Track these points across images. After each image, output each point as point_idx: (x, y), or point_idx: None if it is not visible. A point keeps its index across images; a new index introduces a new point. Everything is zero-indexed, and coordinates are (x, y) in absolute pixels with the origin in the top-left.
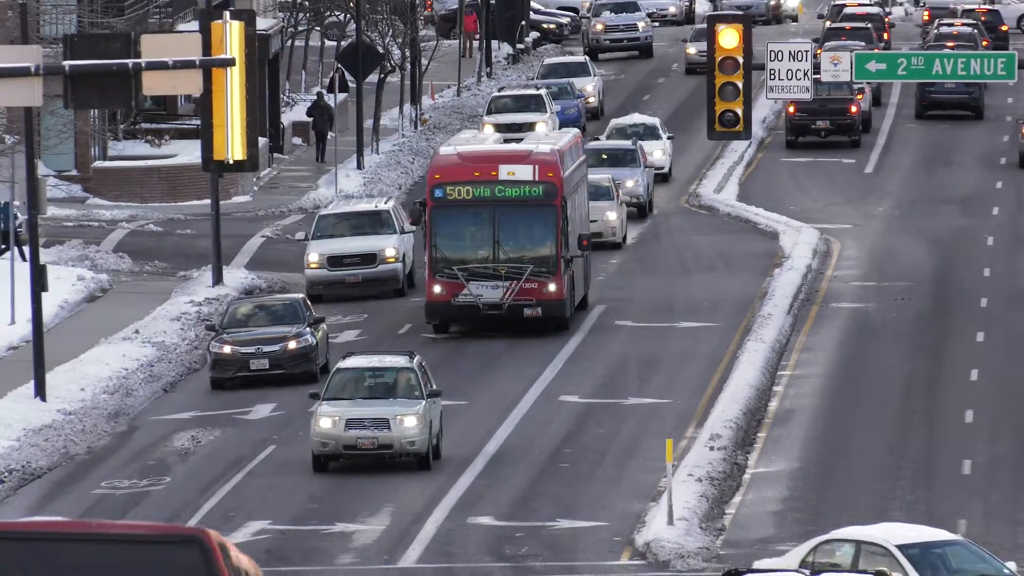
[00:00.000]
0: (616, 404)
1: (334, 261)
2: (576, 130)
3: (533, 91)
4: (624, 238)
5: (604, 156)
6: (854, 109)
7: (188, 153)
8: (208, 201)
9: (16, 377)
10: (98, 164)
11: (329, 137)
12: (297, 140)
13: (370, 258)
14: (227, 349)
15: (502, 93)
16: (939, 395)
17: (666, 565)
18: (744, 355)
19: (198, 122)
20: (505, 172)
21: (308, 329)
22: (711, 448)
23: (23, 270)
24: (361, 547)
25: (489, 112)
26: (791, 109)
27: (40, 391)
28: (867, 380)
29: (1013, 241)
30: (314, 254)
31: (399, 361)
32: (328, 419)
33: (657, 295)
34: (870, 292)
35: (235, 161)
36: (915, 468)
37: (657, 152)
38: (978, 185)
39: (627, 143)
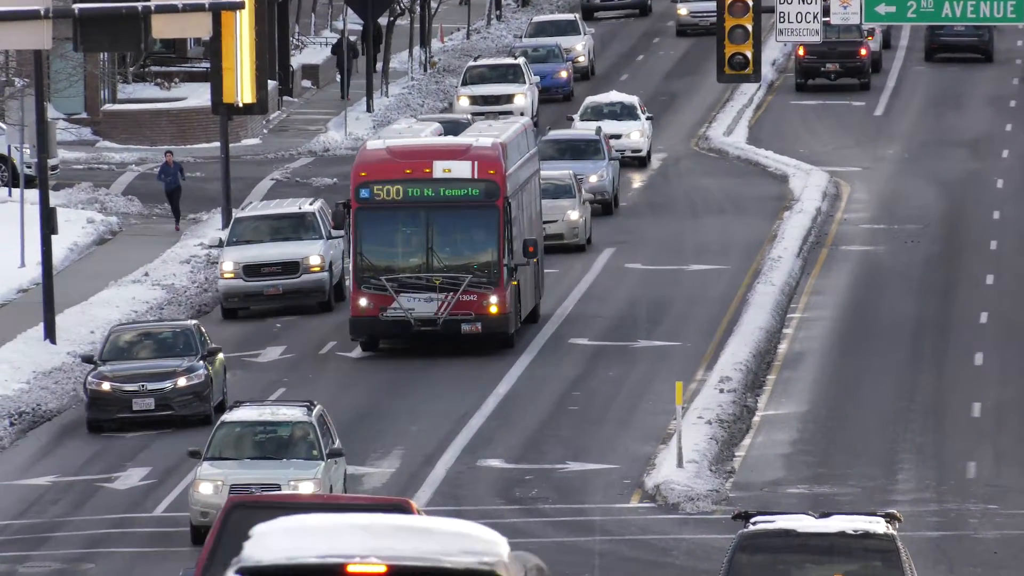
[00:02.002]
0: (626, 347)
1: (251, 270)
2: (525, 119)
3: (511, 60)
4: (588, 239)
5: (563, 148)
6: (864, 52)
7: (197, 96)
8: (217, 144)
9: (26, 320)
10: (107, 107)
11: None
12: (306, 83)
13: (292, 267)
14: (106, 386)
15: (477, 63)
16: (949, 338)
17: (676, 507)
18: (754, 298)
19: (207, 65)
20: (440, 169)
21: (202, 363)
22: (721, 391)
23: (33, 213)
24: (371, 490)
25: (464, 83)
26: (801, 52)
27: (50, 334)
28: (877, 323)
29: (1022, 184)
30: (229, 262)
31: (295, 414)
32: (209, 484)
33: (667, 238)
34: (880, 235)
35: (244, 104)
36: (925, 411)
37: (635, 133)
38: (987, 128)
39: (590, 133)
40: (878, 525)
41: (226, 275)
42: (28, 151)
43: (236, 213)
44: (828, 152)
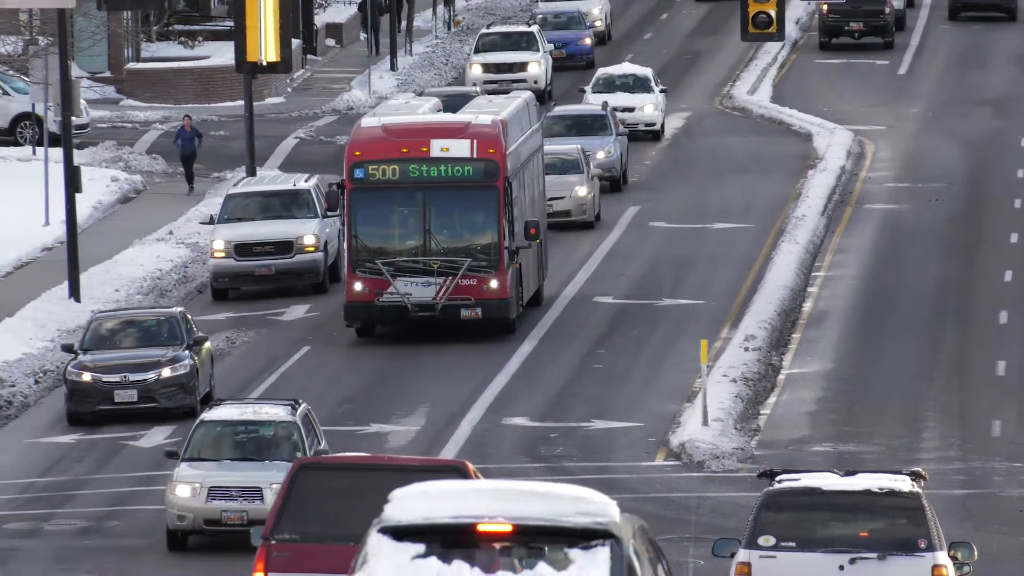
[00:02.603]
0: (650, 305)
1: (243, 250)
2: (527, 94)
3: (524, 28)
4: (597, 216)
5: (570, 124)
6: (887, 10)
7: (221, 54)
8: (241, 102)
9: (50, 278)
10: (131, 66)
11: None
12: (330, 41)
13: (285, 246)
14: (87, 377)
15: (490, 30)
16: (973, 296)
17: (701, 465)
18: (778, 256)
19: (231, 23)
20: (438, 148)
21: (187, 352)
22: (746, 349)
23: (57, 171)
24: (396, 448)
25: (477, 51)
26: (824, 10)
27: (74, 292)
28: (901, 281)
29: None
30: (220, 241)
31: (278, 413)
32: (187, 487)
33: (691, 196)
34: (903, 193)
35: (268, 62)
36: (949, 369)
37: (648, 106)
38: (1011, 87)
39: (596, 108)
40: (903, 483)
41: (216, 254)
42: (52, 109)
43: (228, 189)
44: (852, 111)
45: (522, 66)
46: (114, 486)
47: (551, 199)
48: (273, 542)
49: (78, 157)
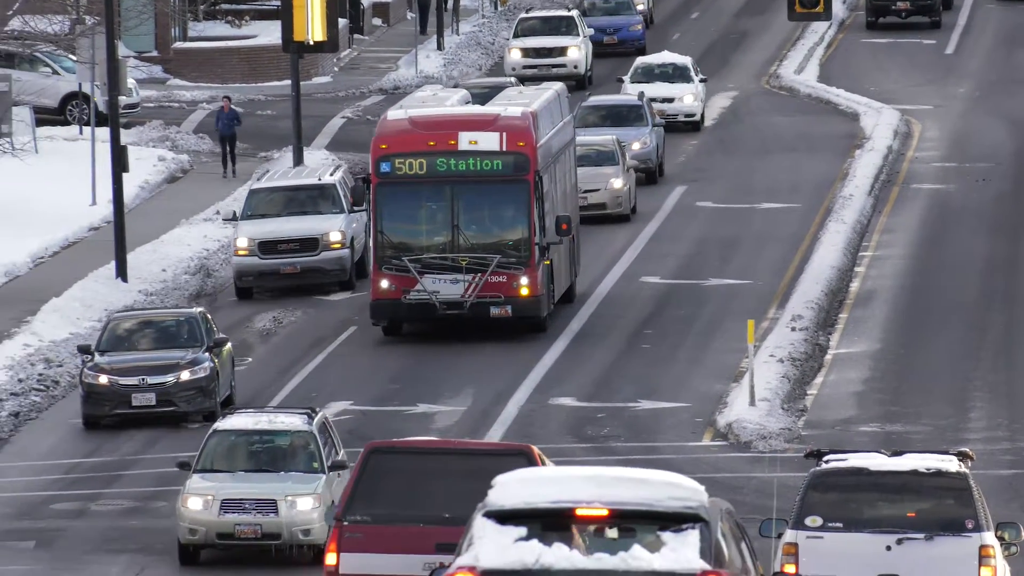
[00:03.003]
0: (696, 285)
1: (267, 247)
2: (559, 85)
3: (564, 12)
4: (633, 208)
5: (605, 114)
6: None
7: (268, 34)
8: (288, 82)
9: (97, 258)
10: (178, 45)
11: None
12: (377, 21)
13: (311, 243)
14: (103, 379)
15: (530, 14)
16: (1019, 276)
17: (748, 446)
18: (825, 236)
19: (278, 3)
20: (466, 141)
21: (207, 354)
22: (793, 329)
23: (104, 151)
24: (443, 428)
25: (516, 35)
26: None
27: (121, 272)
28: (948, 261)
29: None
30: (243, 238)
31: (294, 423)
32: (199, 499)
33: (737, 176)
34: (951, 173)
35: (315, 42)
36: (996, 349)
37: (688, 97)
38: None
39: (632, 98)
40: (950, 463)
41: (240, 252)
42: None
43: (251, 184)
44: (899, 90)
45: (562, 51)
46: (162, 466)
47: (585, 191)
48: (345, 523)
49: (125, 137)
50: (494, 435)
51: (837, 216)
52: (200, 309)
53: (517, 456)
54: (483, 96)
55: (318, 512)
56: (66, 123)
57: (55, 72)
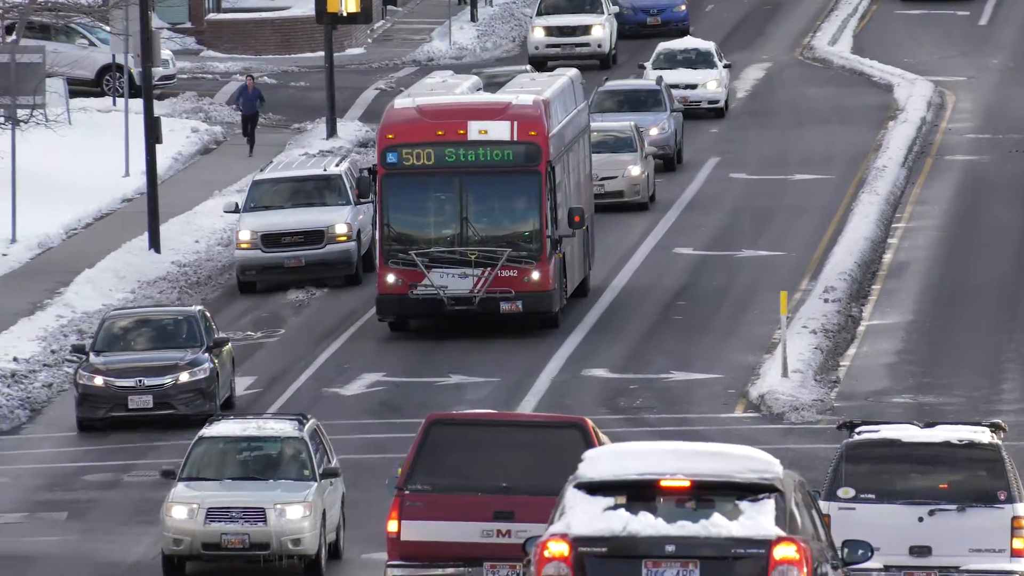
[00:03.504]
0: (730, 256)
1: (270, 240)
2: (573, 71)
3: None
4: (652, 197)
5: (622, 100)
6: None
7: (302, 5)
8: (321, 53)
9: (130, 229)
10: (212, 16)
11: None
12: None
13: (316, 236)
14: (99, 381)
15: None
16: None
17: (780, 417)
18: (858, 207)
19: None
20: (475, 130)
21: (207, 355)
22: (825, 300)
23: (137, 122)
24: (475, 400)
25: (539, 13)
26: None
27: (154, 243)
28: (981, 232)
29: None
30: (246, 231)
31: (284, 428)
32: (183, 508)
33: (771, 148)
34: (984, 144)
35: (348, 13)
36: None
37: (711, 83)
38: None
39: (650, 83)
40: (983, 435)
41: (242, 245)
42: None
43: (255, 175)
44: (933, 62)
45: (585, 29)
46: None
47: (602, 179)
48: (406, 492)
49: (158, 108)
50: (527, 406)
51: (870, 188)
52: (200, 308)
53: (571, 428)
54: (497, 85)
55: (309, 521)
56: (103, 95)
57: (91, 44)
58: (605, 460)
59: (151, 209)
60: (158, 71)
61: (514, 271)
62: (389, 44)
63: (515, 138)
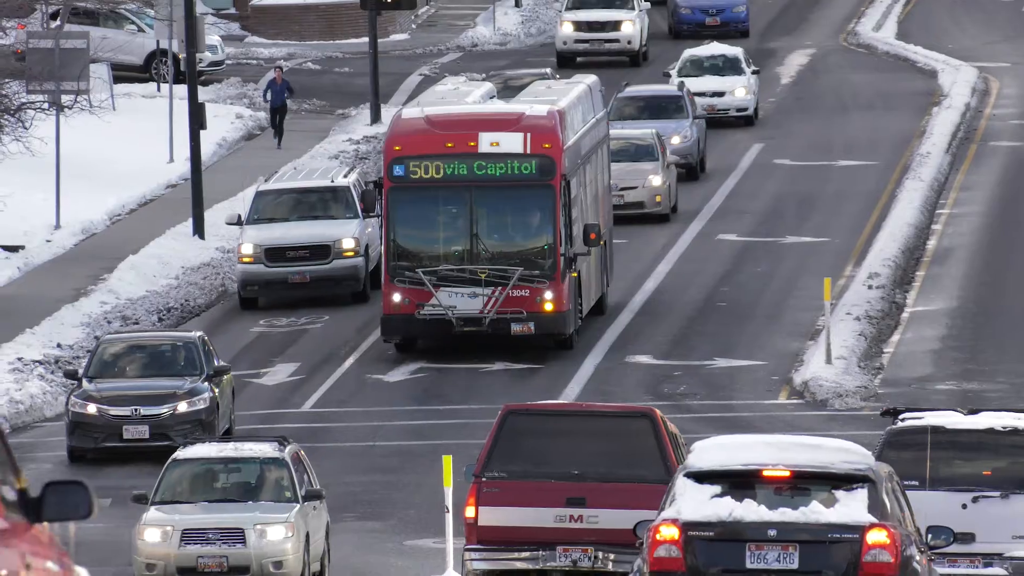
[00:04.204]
0: (774, 243)
1: (274, 254)
2: (591, 78)
3: None
4: (674, 208)
5: (642, 106)
6: None
7: None
8: (366, 39)
9: (175, 215)
10: (256, 2)
11: None
12: None
13: (322, 251)
14: (92, 408)
15: None
16: None
17: (824, 404)
18: (902, 193)
19: None
20: (487, 142)
21: (206, 384)
22: (869, 287)
23: (181, 108)
24: (520, 386)
25: (568, 8)
26: None
27: (198, 229)
28: None
29: None
30: (248, 244)
31: (263, 450)
32: (156, 530)
33: (815, 134)
34: None
35: None
36: None
37: (739, 90)
38: None
39: (672, 88)
40: None
41: (244, 259)
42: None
43: (259, 185)
44: (977, 47)
45: (615, 25)
46: (238, 423)
47: (622, 189)
48: (484, 479)
49: (203, 94)
50: (570, 393)
51: (914, 173)
52: (199, 333)
53: (640, 418)
54: (515, 89)
55: (291, 543)
56: (152, 81)
57: (140, 30)
58: (712, 451)
59: (195, 195)
60: (207, 57)
61: (526, 291)
62: (433, 30)
63: (528, 150)
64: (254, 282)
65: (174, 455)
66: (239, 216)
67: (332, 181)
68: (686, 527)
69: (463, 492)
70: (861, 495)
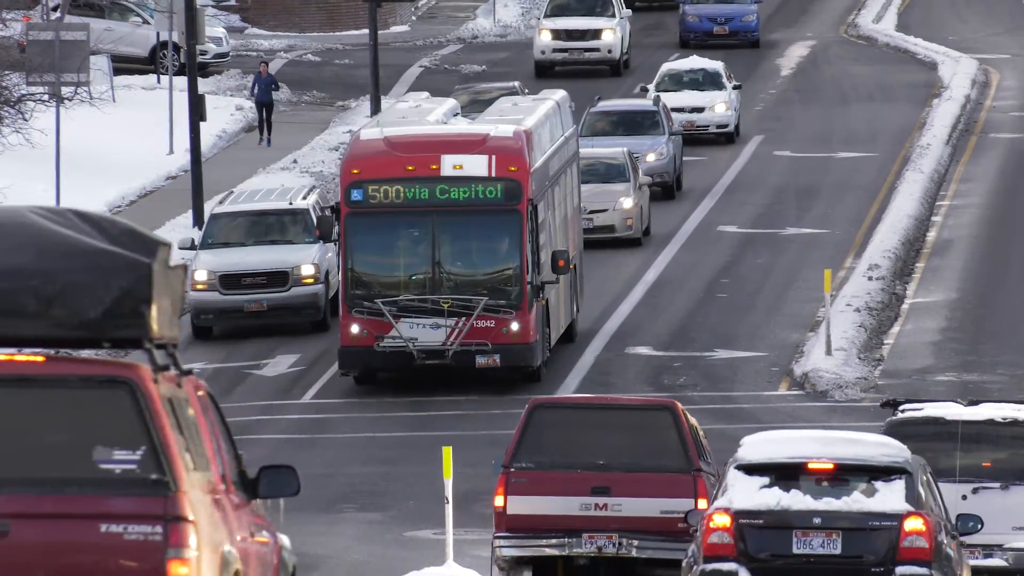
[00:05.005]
0: (774, 234)
1: (229, 281)
2: (560, 94)
3: None
4: (646, 230)
5: (616, 121)
6: None
7: None
8: (366, 31)
9: (174, 207)
10: None
11: None
12: None
13: (279, 277)
14: None
15: None
16: None
17: (824, 395)
18: (903, 185)
19: None
20: (449, 165)
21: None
22: (870, 278)
23: (181, 100)
24: (520, 377)
25: (547, 15)
26: None
27: (198, 221)
28: None
29: None
30: (202, 270)
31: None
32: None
33: (815, 125)
34: None
35: None
36: None
37: (720, 106)
38: None
39: (647, 103)
40: None
41: (198, 286)
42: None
43: (213, 208)
44: (977, 39)
45: (595, 33)
46: (238, 415)
47: (591, 212)
48: (512, 470)
49: (202, 86)
50: (571, 383)
51: (915, 165)
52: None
53: (662, 410)
54: (485, 103)
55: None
56: (157, 72)
57: (145, 22)
58: (761, 445)
59: (195, 187)
60: (212, 49)
61: (491, 321)
62: (434, 22)
63: (493, 174)
64: (208, 310)
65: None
66: (192, 240)
67: (290, 203)
68: (737, 515)
69: (468, 483)
70: (899, 486)
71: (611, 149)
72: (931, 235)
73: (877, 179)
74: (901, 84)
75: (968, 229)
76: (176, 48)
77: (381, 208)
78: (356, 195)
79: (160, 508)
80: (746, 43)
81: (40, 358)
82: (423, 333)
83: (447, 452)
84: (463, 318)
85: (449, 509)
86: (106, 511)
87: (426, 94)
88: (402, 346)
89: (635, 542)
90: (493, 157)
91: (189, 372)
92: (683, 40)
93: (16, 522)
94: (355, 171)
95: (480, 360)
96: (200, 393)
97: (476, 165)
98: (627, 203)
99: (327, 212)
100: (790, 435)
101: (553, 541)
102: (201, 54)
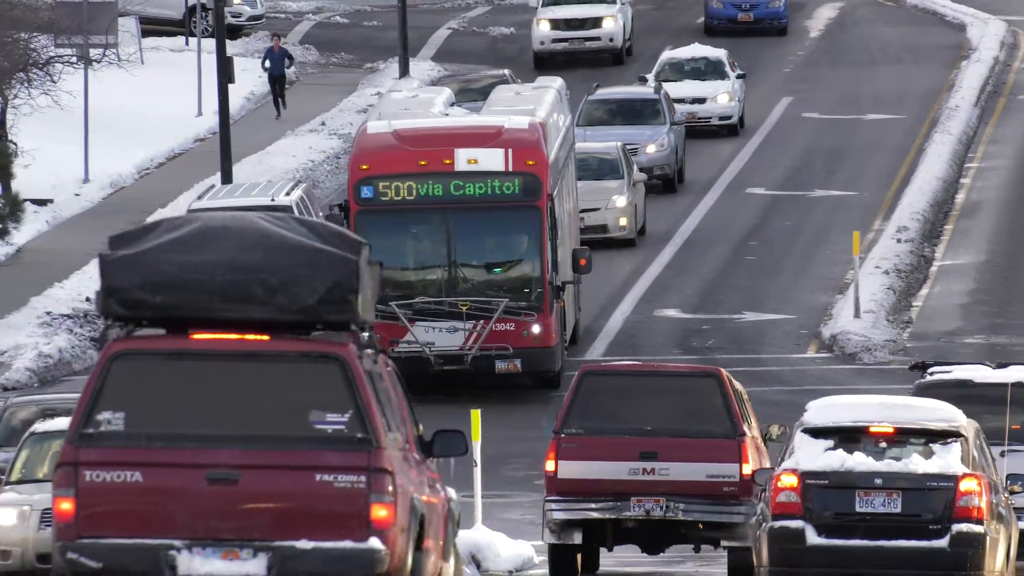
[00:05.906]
0: (802, 196)
1: None
2: (558, 82)
3: None
4: (642, 230)
5: (615, 110)
6: None
7: None
8: None
9: (202, 168)
10: None
11: None
12: None
13: None
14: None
15: None
16: None
17: (853, 358)
18: (931, 147)
19: None
20: (464, 159)
21: None
22: (898, 240)
23: (210, 62)
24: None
25: (544, 4)
26: None
27: (226, 182)
28: None
29: None
30: None
31: None
32: (12, 511)
33: (843, 87)
34: None
35: None
36: None
37: (722, 96)
38: None
39: (647, 91)
40: None
41: None
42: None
43: (192, 203)
44: (1005, 1)
45: (595, 22)
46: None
47: (583, 211)
48: (562, 435)
49: (231, 48)
50: (598, 347)
51: (943, 127)
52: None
53: (708, 377)
54: (476, 91)
55: None
56: (191, 35)
57: None
58: (825, 410)
59: (223, 149)
60: (246, 11)
61: (511, 324)
62: None
63: (510, 168)
64: None
65: (32, 428)
66: None
67: (272, 199)
68: (804, 476)
69: (498, 446)
70: (955, 448)
71: (604, 143)
72: (959, 197)
73: (905, 141)
74: (929, 46)
75: (997, 191)
76: (206, 10)
77: (393, 205)
78: (366, 192)
79: (364, 461)
80: (773, 30)
81: (266, 337)
82: (440, 337)
83: (475, 415)
84: (482, 321)
85: (477, 472)
86: (320, 463)
87: (417, 82)
88: (418, 351)
89: (681, 505)
90: (510, 150)
91: (384, 351)
92: (707, 27)
93: (246, 472)
94: (364, 167)
95: (500, 365)
96: (389, 368)
97: (492, 159)
98: (621, 201)
99: (335, 210)
100: (852, 400)
101: (602, 505)
102: (235, 16)
